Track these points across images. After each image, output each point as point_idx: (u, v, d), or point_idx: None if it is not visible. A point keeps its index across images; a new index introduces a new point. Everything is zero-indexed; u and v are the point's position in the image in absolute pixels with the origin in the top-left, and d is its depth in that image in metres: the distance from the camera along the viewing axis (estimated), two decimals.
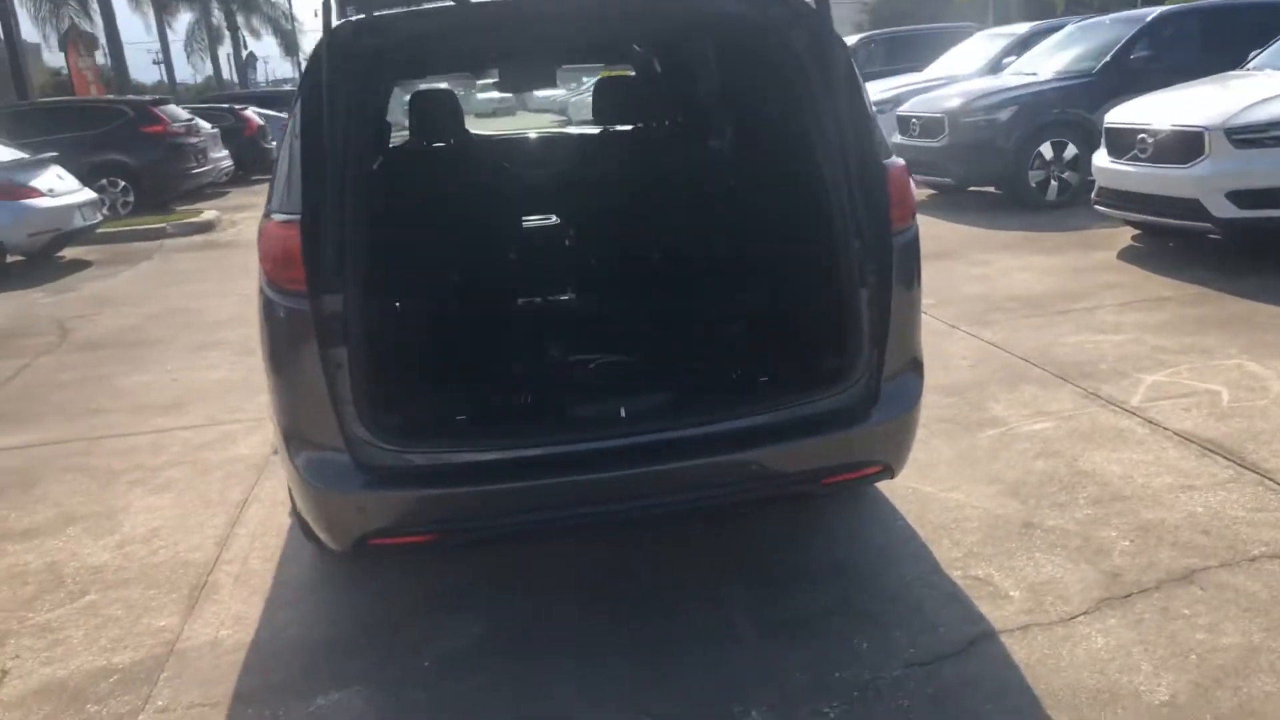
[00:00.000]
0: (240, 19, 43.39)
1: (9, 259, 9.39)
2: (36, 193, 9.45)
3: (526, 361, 3.30)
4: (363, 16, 2.50)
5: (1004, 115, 8.89)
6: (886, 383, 2.65)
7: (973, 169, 9.15)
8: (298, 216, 2.36)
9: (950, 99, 9.48)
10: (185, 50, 42.34)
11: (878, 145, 2.65)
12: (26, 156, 9.89)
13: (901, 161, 2.71)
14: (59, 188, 9.79)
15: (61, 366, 6.02)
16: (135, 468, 4.21)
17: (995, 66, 11.09)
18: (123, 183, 12.91)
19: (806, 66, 2.63)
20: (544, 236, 4.01)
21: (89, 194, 10.35)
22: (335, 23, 2.50)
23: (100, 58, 28.85)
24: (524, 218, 4.05)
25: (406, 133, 4.05)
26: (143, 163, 12.98)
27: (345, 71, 2.41)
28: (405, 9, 2.62)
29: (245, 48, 45.33)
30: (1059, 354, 4.80)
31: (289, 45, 46.56)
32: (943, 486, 3.48)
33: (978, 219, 8.66)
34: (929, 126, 9.42)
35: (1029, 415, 4.08)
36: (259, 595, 3.06)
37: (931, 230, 8.32)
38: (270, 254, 2.39)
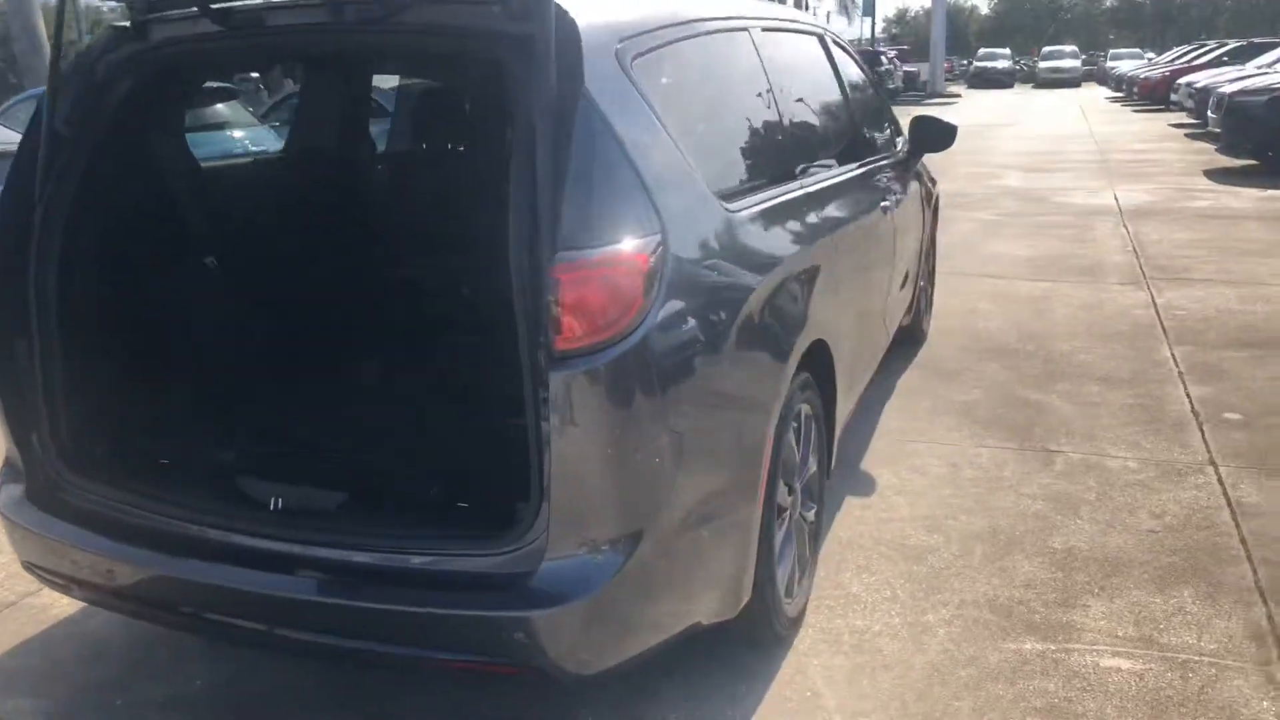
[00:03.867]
0: None
1: None
2: None
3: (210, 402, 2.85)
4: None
5: None
6: (550, 560, 1.88)
7: None
8: None
9: None
10: None
11: (566, 229, 1.81)
12: None
13: (606, 252, 1.84)
14: None
15: None
16: None
17: None
18: None
19: (509, 98, 1.91)
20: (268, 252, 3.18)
21: None
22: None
23: None
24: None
25: None
26: None
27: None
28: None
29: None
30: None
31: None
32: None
33: None
34: None
35: (1120, 641, 2.61)
36: None
37: None
38: None
